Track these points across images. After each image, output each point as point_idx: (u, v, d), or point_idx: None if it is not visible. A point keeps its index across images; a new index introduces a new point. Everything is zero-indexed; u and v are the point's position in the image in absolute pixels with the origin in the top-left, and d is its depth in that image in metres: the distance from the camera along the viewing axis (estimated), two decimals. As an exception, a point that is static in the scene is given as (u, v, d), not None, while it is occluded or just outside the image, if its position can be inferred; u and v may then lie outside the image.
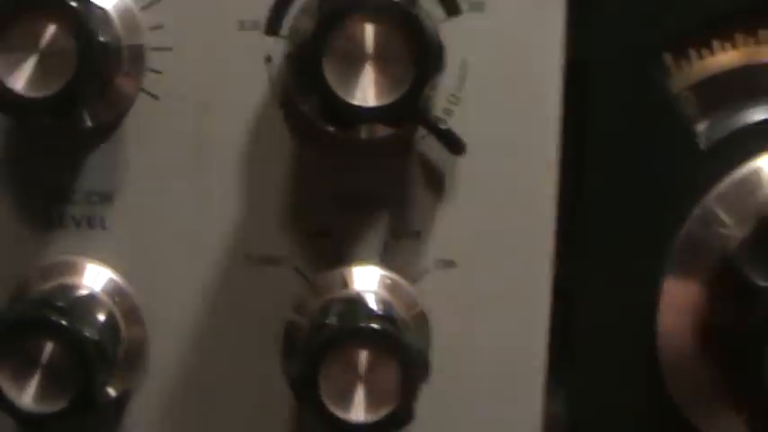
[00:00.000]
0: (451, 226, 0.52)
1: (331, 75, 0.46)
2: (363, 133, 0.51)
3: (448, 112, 0.51)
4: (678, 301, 0.52)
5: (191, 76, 0.51)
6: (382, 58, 0.46)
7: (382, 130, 0.50)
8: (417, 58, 0.46)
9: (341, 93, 0.46)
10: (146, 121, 0.51)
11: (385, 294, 0.51)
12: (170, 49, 0.51)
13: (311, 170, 0.51)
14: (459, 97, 0.51)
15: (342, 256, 0.52)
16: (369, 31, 0.46)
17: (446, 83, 0.51)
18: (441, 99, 0.51)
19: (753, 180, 0.52)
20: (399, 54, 0.46)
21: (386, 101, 0.46)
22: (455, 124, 0.51)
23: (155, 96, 0.51)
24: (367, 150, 0.51)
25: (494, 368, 0.53)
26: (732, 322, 0.50)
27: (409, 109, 0.46)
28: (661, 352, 0.53)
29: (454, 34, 0.51)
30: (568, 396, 0.55)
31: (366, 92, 0.46)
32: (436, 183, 0.52)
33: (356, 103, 0.46)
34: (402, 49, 0.46)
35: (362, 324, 0.48)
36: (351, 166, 0.52)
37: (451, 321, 0.52)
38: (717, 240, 0.52)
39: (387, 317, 0.49)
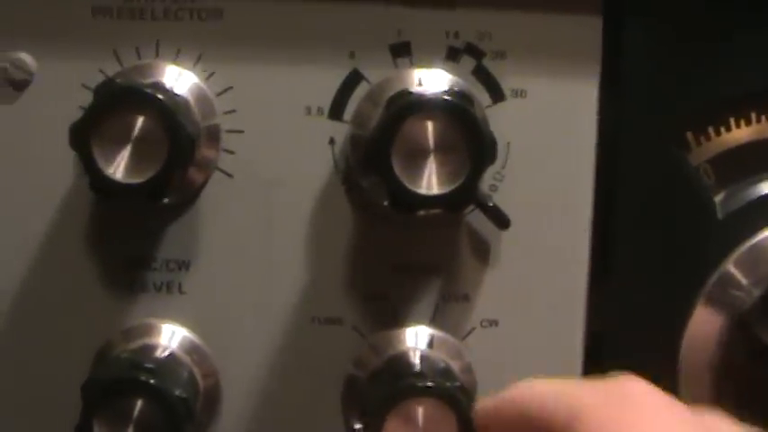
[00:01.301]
0: (496, 288, 0.58)
1: (398, 166, 0.51)
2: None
3: (493, 188, 0.57)
4: (698, 351, 0.58)
5: (261, 156, 0.56)
6: (443, 152, 0.52)
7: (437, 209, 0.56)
8: (473, 150, 0.51)
9: (407, 183, 0.51)
10: (220, 196, 0.57)
11: (436, 352, 0.57)
12: (242, 131, 0.56)
13: (370, 240, 0.57)
14: (503, 174, 0.57)
15: (397, 316, 0.58)
16: (430, 127, 0.52)
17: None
18: (487, 176, 0.57)
19: (766, 246, 0.58)
20: (458, 147, 0.52)
21: (447, 189, 0.52)
22: (499, 198, 0.57)
23: (229, 174, 0.56)
24: (421, 223, 0.57)
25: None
26: (746, 376, 0.56)
27: (468, 196, 0.52)
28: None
29: (498, 117, 0.56)
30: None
31: (430, 181, 0.51)
32: (482, 251, 0.57)
33: (421, 191, 0.51)
34: (460, 143, 0.52)
35: (420, 381, 0.53)
36: (406, 236, 0.57)
37: (494, 376, 0.58)
38: (733, 300, 0.58)
39: (445, 371, 0.55)
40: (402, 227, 0.57)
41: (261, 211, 0.57)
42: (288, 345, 0.58)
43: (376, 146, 0.51)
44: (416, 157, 0.52)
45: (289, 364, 0.58)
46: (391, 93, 0.54)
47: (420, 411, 0.54)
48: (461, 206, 0.53)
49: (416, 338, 0.57)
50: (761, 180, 0.59)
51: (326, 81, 0.56)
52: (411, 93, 0.52)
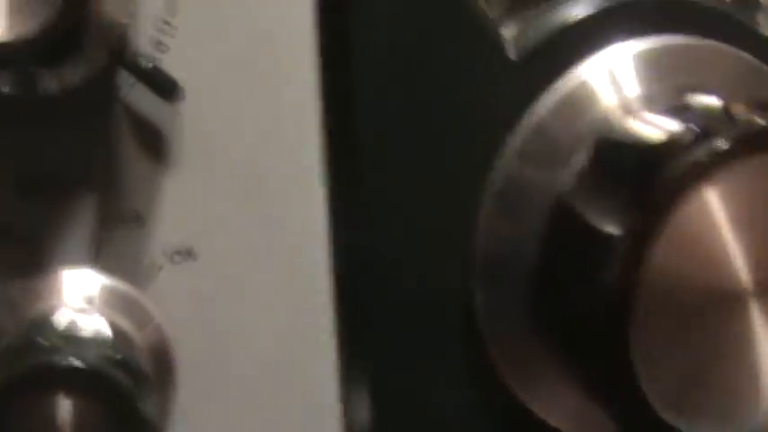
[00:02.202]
0: (183, 203, 0.38)
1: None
2: (41, 87, 0.37)
3: (160, 46, 0.38)
4: (499, 255, 0.40)
5: None
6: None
7: (66, 80, 0.36)
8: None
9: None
10: None
11: (102, 309, 0.38)
12: None
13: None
14: (175, 25, 0.38)
15: (37, 260, 0.38)
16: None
17: (152, 7, 0.37)
18: (147, 27, 0.37)
19: (578, 95, 0.40)
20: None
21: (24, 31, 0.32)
22: (171, 63, 0.37)
23: None
24: (57, 116, 0.37)
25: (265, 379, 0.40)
26: (575, 284, 0.38)
27: (67, 36, 0.32)
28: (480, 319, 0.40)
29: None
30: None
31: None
32: (156, 147, 0.38)
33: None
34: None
35: (59, 358, 0.34)
36: (36, 139, 0.37)
37: (193, 331, 0.39)
38: (543, 177, 0.39)
39: (104, 341, 0.35)
40: (30, 126, 0.37)
41: None
42: None
43: None
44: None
45: None
46: None
47: (61, 404, 0.35)
48: (58, 57, 0.33)
49: (68, 290, 0.38)
50: (560, 3, 0.41)
51: None
52: None
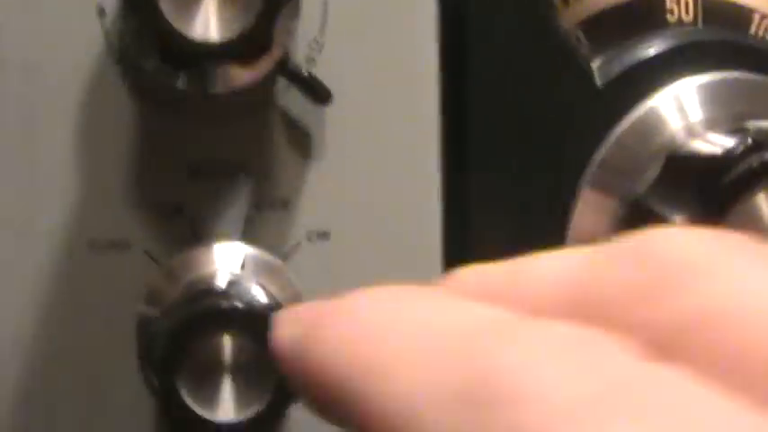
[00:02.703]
0: (323, 191, 0.46)
1: (166, 6, 0.40)
2: (216, 86, 0.44)
3: (310, 61, 0.45)
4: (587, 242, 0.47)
5: (15, 36, 0.44)
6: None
7: (236, 82, 0.44)
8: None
9: (180, 26, 0.40)
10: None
11: (252, 276, 0.45)
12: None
13: (157, 137, 0.45)
14: (322, 42, 0.45)
15: (199, 234, 0.45)
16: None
17: (306, 28, 0.45)
18: (301, 46, 0.45)
19: (652, 119, 0.47)
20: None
21: (230, 34, 0.40)
22: (318, 74, 0.45)
23: (-30, 61, 0.44)
24: (221, 111, 0.45)
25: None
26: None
27: (258, 42, 0.40)
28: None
29: (312, -29, 0.45)
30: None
31: (207, 25, 0.40)
32: (303, 143, 0.46)
33: (197, 38, 0.40)
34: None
35: (216, 304, 0.41)
36: (203, 129, 0.45)
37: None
38: (623, 184, 0.47)
39: (255, 298, 0.42)
40: (198, 118, 0.45)
41: (17, 106, 0.44)
42: (62, 279, 0.45)
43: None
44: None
45: (64, 303, 0.45)
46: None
47: (227, 341, 0.42)
48: (251, 55, 0.41)
49: (224, 260, 0.45)
50: (639, 43, 0.49)
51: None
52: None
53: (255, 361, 0.41)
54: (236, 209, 0.45)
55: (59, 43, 0.44)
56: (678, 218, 0.43)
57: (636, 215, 0.45)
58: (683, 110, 0.48)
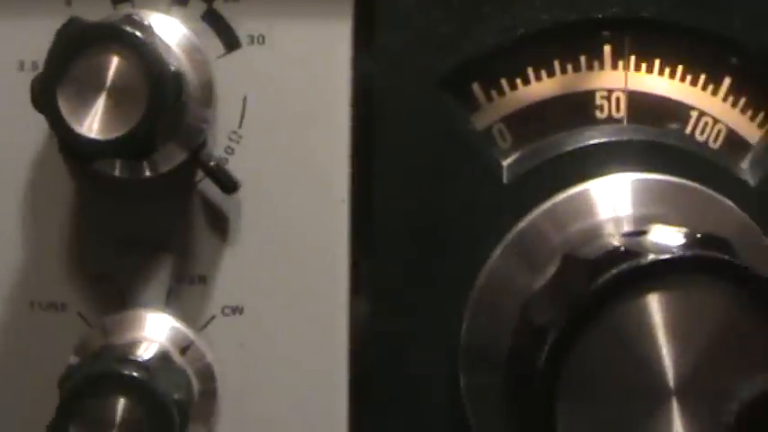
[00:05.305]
0: (238, 269, 0.50)
1: (65, 106, 0.44)
2: (142, 171, 0.49)
3: (229, 150, 0.49)
4: (480, 346, 0.49)
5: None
6: (119, 91, 0.44)
7: (160, 169, 0.48)
8: (150, 92, 0.44)
9: (75, 125, 0.44)
10: None
11: (165, 343, 0.49)
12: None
13: (93, 212, 0.50)
14: (240, 134, 0.49)
15: (126, 301, 0.50)
16: (103, 62, 0.44)
17: (226, 119, 0.49)
18: (221, 136, 0.49)
19: (558, 216, 0.48)
20: (135, 85, 0.44)
21: (116, 133, 0.44)
22: (236, 163, 0.49)
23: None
24: (149, 191, 0.49)
25: (290, 420, 0.50)
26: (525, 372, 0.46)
27: (142, 142, 0.44)
28: (468, 404, 0.49)
29: (234, 68, 0.49)
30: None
31: (96, 123, 0.44)
32: (219, 224, 0.49)
33: (87, 135, 0.44)
34: (137, 80, 0.44)
35: (107, 368, 0.45)
36: (132, 207, 0.49)
37: (241, 369, 0.49)
38: (520, 281, 0.48)
39: (135, 362, 0.46)
40: (127, 197, 0.49)
41: (-29, 181, 0.50)
42: (3, 333, 0.51)
43: (41, 82, 0.44)
44: (87, 97, 0.44)
45: (5, 356, 0.50)
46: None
47: (116, 407, 0.46)
48: (138, 155, 0.45)
49: (146, 326, 0.49)
50: (560, 138, 0.50)
51: (40, 32, 0.49)
52: (79, 21, 0.45)
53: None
54: (160, 281, 0.50)
55: (10, 126, 0.49)
56: (546, 322, 0.45)
57: (521, 316, 0.47)
58: (590, 207, 0.49)
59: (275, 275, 0.49)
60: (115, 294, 0.50)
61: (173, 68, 0.44)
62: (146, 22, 0.45)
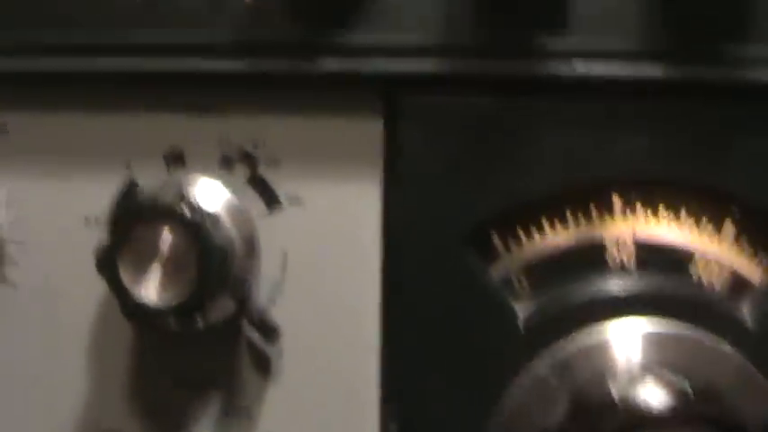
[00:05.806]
0: (278, 402, 0.55)
1: (126, 273, 0.50)
2: (197, 324, 0.54)
3: (272, 300, 0.55)
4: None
5: (43, 267, 0.56)
6: (171, 260, 0.50)
7: (212, 320, 0.54)
8: (200, 264, 0.50)
9: (135, 291, 0.50)
10: (5, 307, 0.56)
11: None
12: (24, 242, 0.56)
13: (151, 353, 0.56)
14: (282, 286, 0.55)
15: (179, 430, 0.56)
16: (161, 234, 0.50)
17: (269, 272, 0.55)
18: (265, 288, 0.55)
19: (566, 362, 0.53)
20: (187, 256, 0.50)
21: (172, 301, 0.50)
22: (279, 311, 0.54)
23: (13, 285, 0.56)
24: (201, 336, 0.55)
25: None
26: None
27: (193, 308, 0.50)
28: None
29: (275, 227, 0.54)
30: None
31: (154, 289, 0.50)
32: (262, 364, 0.55)
33: (145, 300, 0.50)
34: (188, 254, 0.50)
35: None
36: (186, 349, 0.55)
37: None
38: (533, 420, 0.53)
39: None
40: (181, 340, 0.55)
41: (44, 322, 0.56)
42: (70, 456, 0.57)
43: (104, 252, 0.50)
44: (145, 265, 0.51)
45: (75, 479, 0.57)
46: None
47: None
48: (189, 315, 0.51)
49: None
50: (575, 288, 0.55)
51: (103, 191, 0.55)
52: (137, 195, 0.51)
53: None
54: (209, 413, 0.55)
55: (78, 275, 0.56)
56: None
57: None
58: (598, 354, 0.53)
59: (310, 408, 0.55)
60: (170, 426, 0.56)
61: (218, 242, 0.50)
62: (195, 202, 0.51)
